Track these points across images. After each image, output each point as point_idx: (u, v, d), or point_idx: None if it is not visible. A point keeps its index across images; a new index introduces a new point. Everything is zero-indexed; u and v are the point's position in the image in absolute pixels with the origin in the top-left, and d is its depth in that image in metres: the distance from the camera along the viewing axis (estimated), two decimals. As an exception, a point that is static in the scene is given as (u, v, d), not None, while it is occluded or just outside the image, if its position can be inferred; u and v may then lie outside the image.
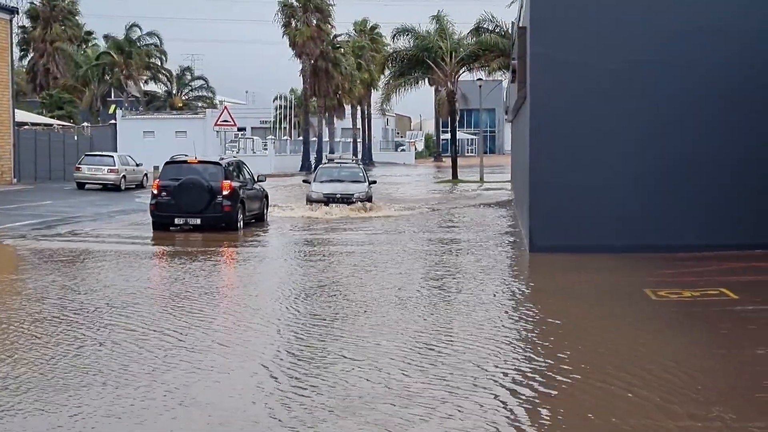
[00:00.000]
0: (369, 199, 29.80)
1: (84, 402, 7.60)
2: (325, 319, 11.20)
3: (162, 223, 22.74)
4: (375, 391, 7.90)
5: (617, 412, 7.32)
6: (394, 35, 53.39)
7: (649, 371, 8.48)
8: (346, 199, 28.95)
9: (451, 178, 51.28)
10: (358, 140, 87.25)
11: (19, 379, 8.25)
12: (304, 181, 33.14)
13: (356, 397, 7.75)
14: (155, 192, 22.92)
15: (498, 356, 9.22)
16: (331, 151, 66.74)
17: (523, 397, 7.80)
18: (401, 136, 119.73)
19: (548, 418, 7.27)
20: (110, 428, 7.03)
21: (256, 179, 25.86)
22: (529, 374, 8.50)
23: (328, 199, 28.91)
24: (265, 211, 26.17)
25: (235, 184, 23.25)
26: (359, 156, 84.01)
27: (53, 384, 8.12)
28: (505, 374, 8.49)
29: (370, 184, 31.22)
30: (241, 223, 23.17)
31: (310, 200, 29.34)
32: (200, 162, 23.58)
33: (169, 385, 8.14)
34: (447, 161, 60.85)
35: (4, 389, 7.94)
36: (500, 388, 8.04)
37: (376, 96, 73.96)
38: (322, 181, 30.35)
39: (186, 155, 24.20)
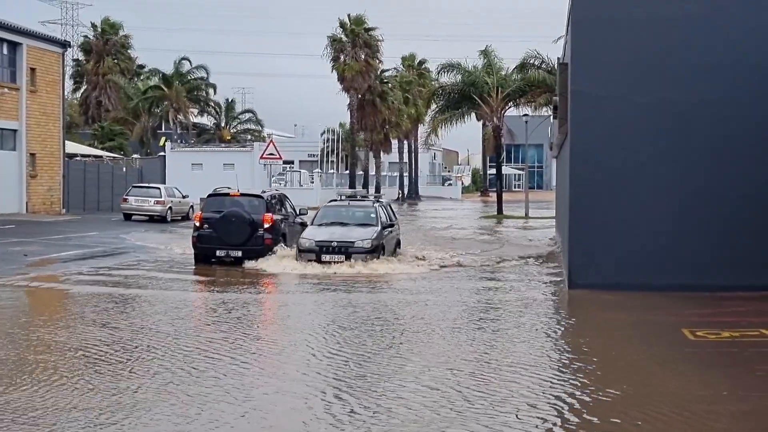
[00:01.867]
0: (377, 249, 22.25)
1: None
2: (380, 349, 11.58)
3: (204, 255, 22.84)
4: (430, 418, 8.22)
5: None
6: (440, 71, 53.54)
7: (693, 413, 8.53)
8: (344, 249, 21.75)
9: (496, 213, 51.22)
10: (405, 174, 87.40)
11: (109, 408, 8.49)
12: (300, 224, 25.23)
13: (411, 422, 8.10)
14: (197, 224, 23.07)
15: (553, 389, 9.43)
16: (377, 188, 66.11)
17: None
18: (448, 171, 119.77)
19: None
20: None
21: (298, 212, 25.96)
22: (586, 410, 8.67)
23: (321, 249, 21.70)
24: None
25: (277, 217, 23.36)
26: (405, 190, 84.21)
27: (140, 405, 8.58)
28: (568, 406, 8.79)
29: (386, 227, 23.75)
30: (282, 256, 23.19)
31: (300, 249, 22.08)
32: (242, 195, 23.71)
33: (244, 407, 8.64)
34: (493, 196, 60.75)
35: (93, 420, 8.15)
36: (558, 419, 8.32)
37: (423, 130, 74.03)
38: (319, 225, 23.34)
39: (228, 188, 24.36)
